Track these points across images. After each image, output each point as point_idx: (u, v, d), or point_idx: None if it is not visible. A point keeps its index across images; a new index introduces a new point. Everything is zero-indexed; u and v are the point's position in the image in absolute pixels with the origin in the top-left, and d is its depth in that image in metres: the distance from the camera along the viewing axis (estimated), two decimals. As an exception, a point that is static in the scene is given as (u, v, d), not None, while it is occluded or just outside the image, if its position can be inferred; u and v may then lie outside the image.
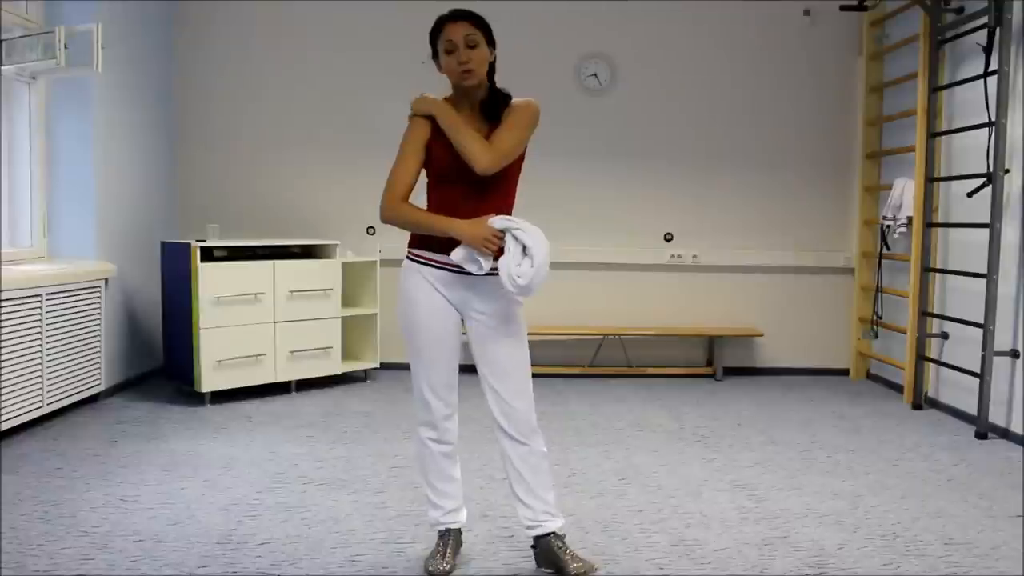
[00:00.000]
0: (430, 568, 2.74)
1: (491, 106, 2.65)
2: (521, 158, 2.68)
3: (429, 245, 2.64)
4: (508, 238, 2.53)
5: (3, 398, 4.03)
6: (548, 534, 2.73)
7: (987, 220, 4.53)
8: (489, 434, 4.16)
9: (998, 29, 4.48)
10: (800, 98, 6.19)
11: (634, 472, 3.87)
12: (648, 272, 6.24)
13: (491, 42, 2.63)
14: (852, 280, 6.26)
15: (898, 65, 5.77)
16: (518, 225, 2.54)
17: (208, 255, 4.99)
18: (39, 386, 4.32)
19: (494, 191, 2.63)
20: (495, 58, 2.66)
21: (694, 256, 6.24)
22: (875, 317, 5.85)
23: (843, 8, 5.92)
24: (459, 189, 2.61)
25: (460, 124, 2.58)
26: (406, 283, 2.71)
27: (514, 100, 2.68)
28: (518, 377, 2.69)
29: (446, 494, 2.80)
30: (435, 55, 2.65)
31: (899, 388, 5.57)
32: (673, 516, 3.31)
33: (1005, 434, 4.50)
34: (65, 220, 4.97)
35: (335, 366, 5.50)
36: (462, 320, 2.73)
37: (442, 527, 2.82)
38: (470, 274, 2.61)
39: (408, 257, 2.72)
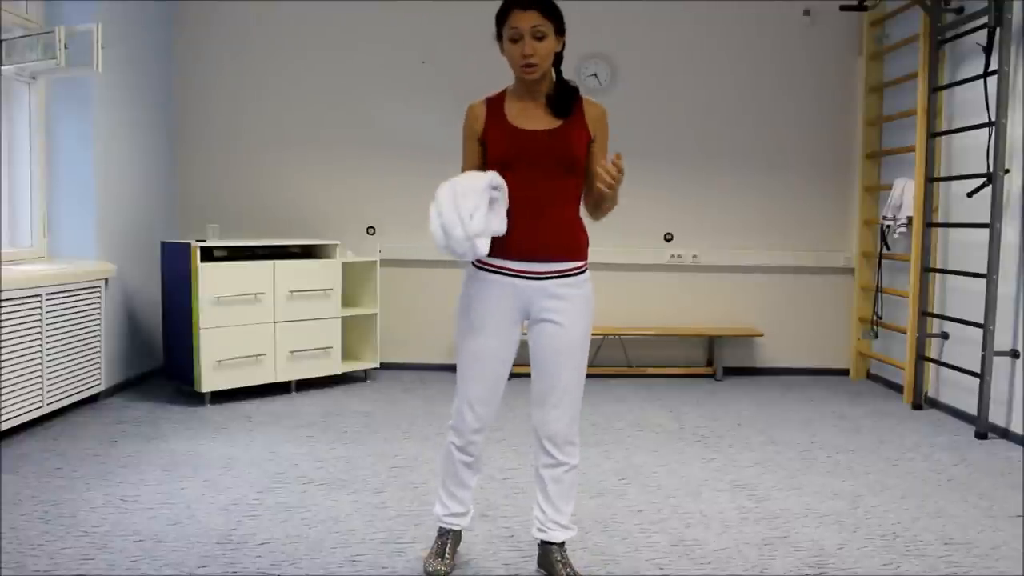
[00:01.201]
0: (429, 568, 2.74)
1: (560, 100, 2.53)
2: (589, 144, 2.56)
3: (493, 249, 2.47)
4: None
5: (3, 398, 4.03)
6: (550, 543, 2.73)
7: (987, 220, 4.53)
8: (490, 434, 4.17)
9: (998, 29, 4.48)
10: (800, 98, 6.19)
11: (634, 472, 3.87)
12: (648, 272, 6.24)
13: (560, 31, 2.51)
14: (852, 280, 6.26)
15: (898, 65, 5.77)
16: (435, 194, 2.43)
17: (208, 255, 4.99)
18: (39, 386, 4.32)
19: (561, 175, 2.51)
20: (563, 46, 2.55)
21: (694, 256, 6.24)
22: (875, 317, 5.85)
23: (843, 8, 5.92)
24: (519, 176, 2.48)
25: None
26: (466, 291, 2.62)
27: (587, 100, 2.57)
28: (567, 388, 2.61)
29: (456, 498, 2.79)
30: (498, 36, 2.53)
31: (899, 388, 5.57)
32: (673, 516, 3.31)
33: (1005, 434, 4.50)
34: (65, 220, 4.97)
35: (335, 366, 5.50)
36: (525, 324, 2.64)
37: (444, 526, 2.82)
38: (540, 278, 2.53)
39: (473, 263, 2.61)
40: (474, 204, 2.36)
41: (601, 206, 2.60)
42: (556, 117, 2.53)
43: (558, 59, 2.56)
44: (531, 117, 2.53)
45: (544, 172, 2.49)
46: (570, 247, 2.56)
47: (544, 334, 2.59)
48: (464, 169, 2.59)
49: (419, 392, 5.41)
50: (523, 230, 2.49)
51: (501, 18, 2.50)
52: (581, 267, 2.61)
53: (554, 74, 2.58)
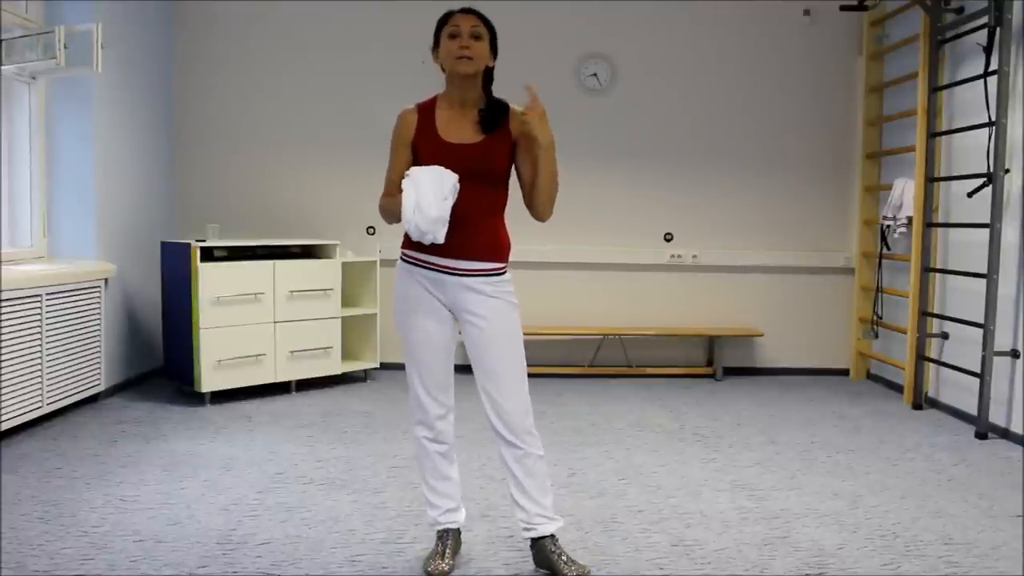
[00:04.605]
0: (429, 569, 2.74)
1: (489, 117, 2.65)
2: (512, 150, 2.68)
3: (420, 245, 2.63)
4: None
5: (3, 398, 4.03)
6: (543, 538, 2.74)
7: (987, 220, 4.53)
8: (488, 434, 4.15)
9: (998, 29, 4.48)
10: (800, 98, 6.19)
11: (634, 472, 3.87)
12: (648, 272, 6.24)
13: (494, 48, 2.65)
14: (852, 280, 6.26)
15: (898, 65, 5.77)
16: (408, 172, 2.55)
17: (208, 255, 4.99)
18: (39, 386, 4.32)
19: (485, 185, 2.63)
20: (494, 66, 2.67)
21: (694, 256, 6.24)
22: (875, 317, 5.85)
23: (843, 8, 5.92)
24: None
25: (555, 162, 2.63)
26: (399, 283, 2.74)
27: (513, 109, 2.67)
28: (511, 379, 2.68)
29: (443, 493, 2.81)
30: (436, 46, 2.66)
31: (899, 388, 5.57)
32: (673, 516, 3.31)
33: (1005, 434, 4.50)
34: (65, 220, 4.97)
35: (335, 366, 5.50)
36: (456, 320, 2.73)
37: (440, 527, 2.83)
38: (460, 274, 2.63)
39: (401, 258, 2.74)
40: (448, 191, 2.50)
41: (537, 183, 2.65)
42: (482, 133, 2.64)
43: (489, 77, 2.68)
44: (459, 128, 2.65)
45: (470, 182, 2.58)
46: (490, 250, 2.67)
47: (472, 332, 2.69)
48: (392, 173, 2.70)
49: (419, 392, 5.40)
50: (451, 232, 2.58)
51: (440, 25, 2.65)
52: (500, 268, 2.71)
53: (484, 91, 2.68)
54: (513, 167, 2.71)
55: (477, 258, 2.64)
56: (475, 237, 2.63)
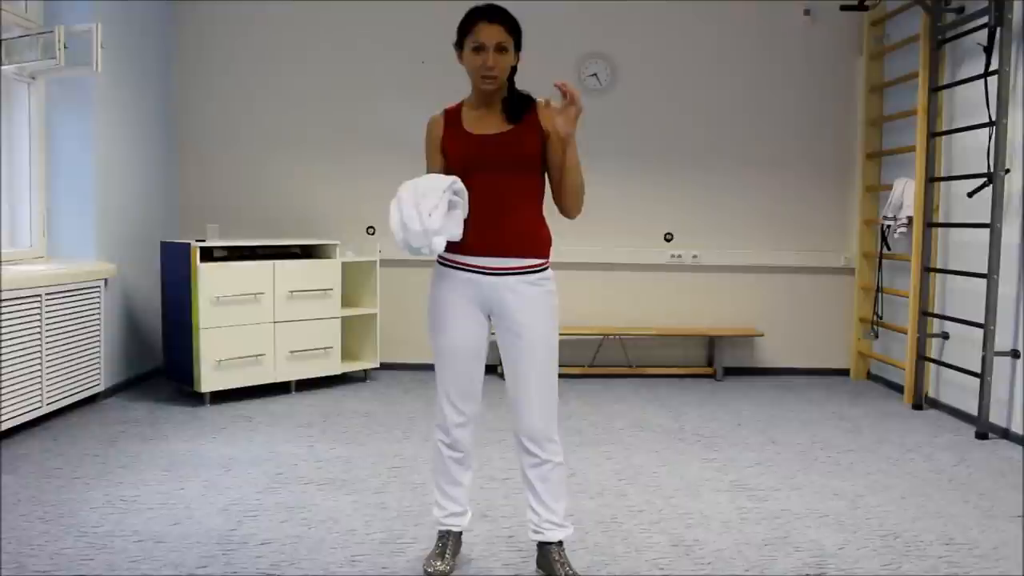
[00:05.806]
0: (429, 569, 2.74)
1: (514, 108, 2.62)
2: (544, 143, 2.62)
3: (454, 246, 2.57)
4: None
5: (3, 398, 4.03)
6: (548, 543, 2.73)
7: (987, 220, 4.53)
8: (490, 434, 4.18)
9: (998, 29, 4.48)
10: (800, 98, 6.19)
11: (634, 472, 3.87)
12: (648, 272, 6.24)
13: (519, 46, 2.60)
14: (852, 280, 6.26)
15: (898, 65, 5.77)
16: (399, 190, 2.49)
17: (208, 255, 4.99)
18: (39, 386, 4.32)
19: (518, 175, 2.60)
20: (519, 60, 2.63)
21: (694, 256, 6.24)
22: (875, 317, 5.85)
23: (843, 8, 5.92)
24: (479, 179, 2.55)
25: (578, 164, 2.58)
26: (434, 287, 2.69)
27: (542, 103, 2.63)
28: (538, 385, 2.63)
29: (451, 497, 2.80)
30: (459, 44, 2.60)
31: (899, 388, 5.57)
32: (673, 516, 3.31)
33: (1005, 434, 4.50)
34: (65, 220, 4.97)
35: (335, 366, 5.50)
36: (491, 322, 2.69)
37: (443, 528, 2.83)
38: (498, 274, 2.58)
39: (437, 260, 2.68)
40: (434, 203, 2.42)
41: (564, 182, 2.62)
42: (509, 122, 2.61)
43: (513, 71, 2.64)
44: (486, 123, 2.62)
45: (501, 173, 2.57)
46: (529, 245, 2.62)
47: (508, 336, 2.64)
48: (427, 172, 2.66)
49: (419, 392, 5.41)
50: (484, 228, 2.55)
51: (465, 27, 2.57)
52: (541, 265, 2.65)
53: (507, 84, 2.64)
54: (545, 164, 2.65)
55: (514, 254, 2.59)
56: (510, 231, 2.58)
